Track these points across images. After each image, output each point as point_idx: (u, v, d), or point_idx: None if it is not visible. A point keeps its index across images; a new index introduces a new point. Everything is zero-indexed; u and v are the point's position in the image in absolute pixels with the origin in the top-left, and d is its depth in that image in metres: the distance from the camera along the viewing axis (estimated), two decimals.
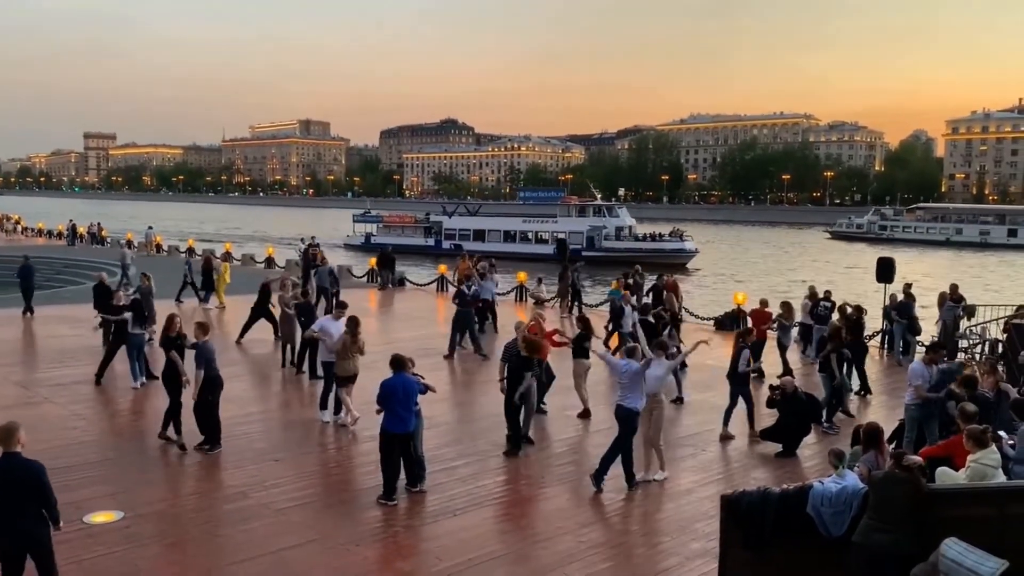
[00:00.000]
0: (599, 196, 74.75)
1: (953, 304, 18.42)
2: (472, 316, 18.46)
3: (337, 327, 12.33)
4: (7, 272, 35.66)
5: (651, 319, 16.12)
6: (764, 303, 17.04)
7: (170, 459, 10.42)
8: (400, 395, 9.07)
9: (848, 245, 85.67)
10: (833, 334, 13.30)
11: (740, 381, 12.01)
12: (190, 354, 10.76)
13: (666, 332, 14.91)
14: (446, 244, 64.51)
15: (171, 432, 10.78)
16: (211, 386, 10.43)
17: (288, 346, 16.05)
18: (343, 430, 11.85)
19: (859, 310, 15.71)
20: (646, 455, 10.07)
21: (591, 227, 61.73)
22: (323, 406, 12.33)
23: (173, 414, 10.76)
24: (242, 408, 12.67)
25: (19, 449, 6.01)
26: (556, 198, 71.39)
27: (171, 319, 11.26)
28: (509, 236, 64.23)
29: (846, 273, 54.97)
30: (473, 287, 19.29)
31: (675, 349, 12.32)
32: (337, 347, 11.82)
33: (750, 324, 16.01)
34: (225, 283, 24.18)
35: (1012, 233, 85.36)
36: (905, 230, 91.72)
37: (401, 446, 9.13)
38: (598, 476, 9.54)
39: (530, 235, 64.28)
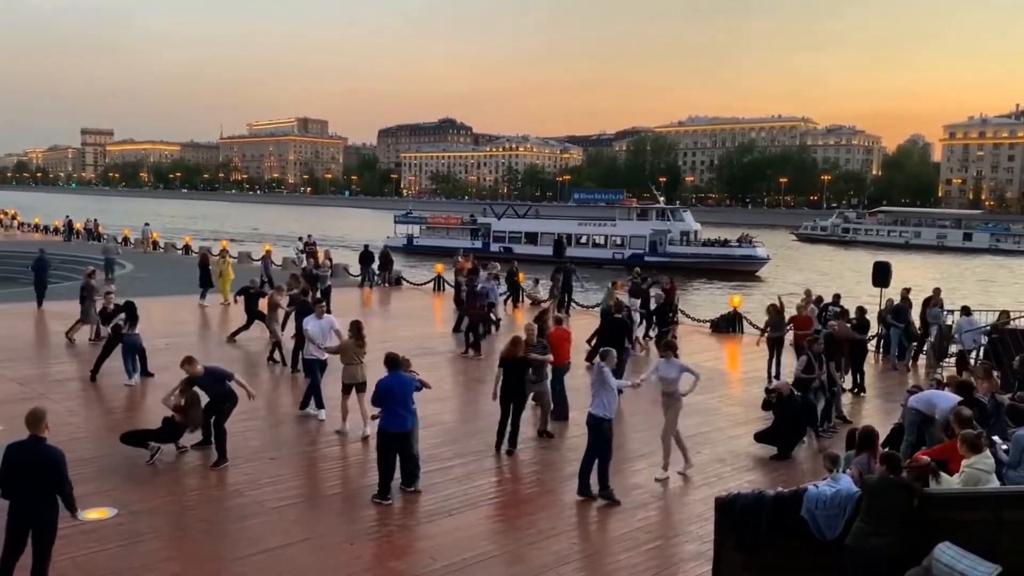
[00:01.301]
0: (661, 199, 70.06)
1: (939, 310, 18.56)
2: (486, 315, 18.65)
3: (318, 325, 12.41)
4: (3, 266, 35.83)
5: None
6: (800, 308, 17.13)
7: (164, 457, 10.39)
8: (397, 394, 9.06)
9: (812, 247, 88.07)
10: (828, 341, 13.37)
11: (800, 387, 12.10)
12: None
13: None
14: (495, 247, 60.40)
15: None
16: (229, 400, 10.34)
17: (276, 344, 16.09)
18: (340, 429, 11.83)
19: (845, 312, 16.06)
20: (663, 450, 10.27)
21: (654, 231, 57.48)
22: (304, 404, 12.43)
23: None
24: (238, 406, 12.62)
25: (45, 435, 6.35)
26: (615, 200, 66.79)
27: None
28: (564, 239, 59.87)
29: (829, 274, 55.39)
30: (481, 285, 19.48)
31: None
32: (336, 351, 11.79)
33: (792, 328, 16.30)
34: (229, 280, 24.14)
35: (967, 237, 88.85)
36: (867, 233, 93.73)
37: (399, 445, 9.13)
38: (582, 489, 9.42)
39: (586, 239, 60.52)
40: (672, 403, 10.23)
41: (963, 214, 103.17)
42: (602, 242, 59.61)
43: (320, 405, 12.33)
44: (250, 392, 10.62)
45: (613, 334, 14.54)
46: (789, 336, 16.92)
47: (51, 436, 6.45)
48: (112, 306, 15.06)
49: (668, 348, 10.57)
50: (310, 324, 12.56)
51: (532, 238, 61.22)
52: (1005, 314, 17.54)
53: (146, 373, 14.35)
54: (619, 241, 58.44)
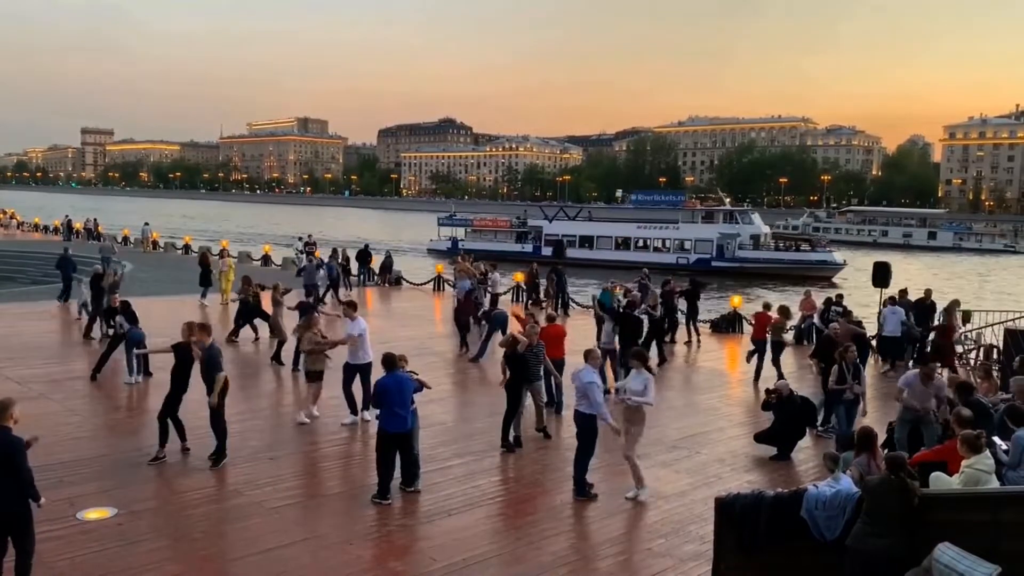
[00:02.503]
0: (727, 200, 67.20)
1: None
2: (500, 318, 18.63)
3: (355, 327, 12.21)
4: (3, 265, 35.84)
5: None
6: (767, 307, 17.20)
7: (164, 457, 10.38)
8: (394, 394, 9.05)
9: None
10: (831, 340, 13.37)
11: (832, 398, 11.82)
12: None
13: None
14: (546, 251, 57.72)
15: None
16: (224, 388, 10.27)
17: (281, 344, 16.09)
18: (341, 428, 11.84)
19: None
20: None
21: (721, 234, 54.68)
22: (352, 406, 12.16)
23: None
24: (235, 406, 12.61)
25: (11, 425, 6.25)
26: (677, 202, 63.13)
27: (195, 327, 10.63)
28: (622, 243, 57.86)
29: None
30: (458, 283, 19.57)
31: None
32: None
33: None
34: (229, 280, 24.14)
35: (932, 236, 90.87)
36: (836, 231, 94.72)
37: (399, 445, 9.12)
38: (579, 489, 9.41)
39: (646, 242, 57.39)
40: (634, 419, 9.38)
41: (928, 213, 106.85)
42: (664, 246, 56.79)
43: (352, 411, 12.11)
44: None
45: (631, 332, 14.63)
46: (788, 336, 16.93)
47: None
48: (118, 303, 15.09)
49: (637, 358, 9.75)
50: (349, 327, 12.33)
51: (588, 241, 58.25)
52: (956, 303, 17.95)
53: (146, 372, 14.39)
54: (684, 245, 55.49)
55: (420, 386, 9.71)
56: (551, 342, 12.81)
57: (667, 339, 19.51)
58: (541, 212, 65.54)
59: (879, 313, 18.77)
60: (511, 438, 11.20)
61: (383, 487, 9.03)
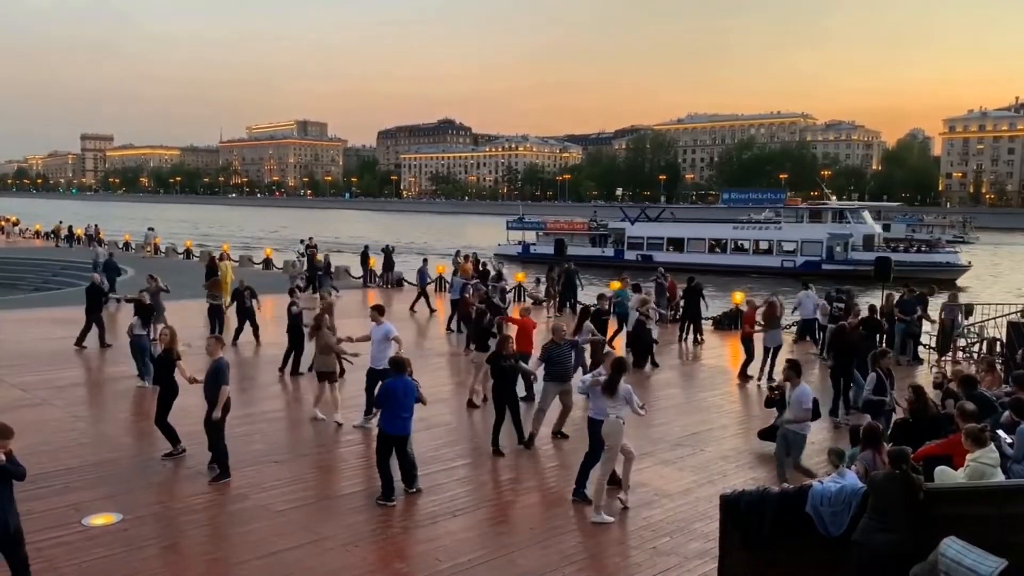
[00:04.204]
0: (833, 197, 62.25)
1: (951, 305, 18.60)
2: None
3: (380, 332, 12.16)
4: (5, 273, 35.90)
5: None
6: (751, 303, 17.38)
7: (168, 462, 10.39)
8: (400, 397, 9.05)
9: None
10: (837, 334, 13.48)
11: (867, 410, 10.82)
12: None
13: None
14: (630, 255, 53.78)
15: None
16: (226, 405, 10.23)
17: (293, 351, 15.61)
18: (340, 430, 11.85)
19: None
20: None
21: (831, 235, 50.38)
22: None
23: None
24: (239, 409, 12.63)
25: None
26: (776, 200, 58.41)
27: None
28: (717, 246, 53.39)
29: None
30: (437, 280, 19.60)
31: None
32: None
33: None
34: (228, 282, 24.10)
35: (886, 228, 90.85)
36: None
37: (396, 448, 9.14)
38: (577, 490, 9.30)
39: (746, 244, 53.00)
40: (612, 433, 8.77)
41: (882, 206, 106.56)
42: (765, 248, 52.00)
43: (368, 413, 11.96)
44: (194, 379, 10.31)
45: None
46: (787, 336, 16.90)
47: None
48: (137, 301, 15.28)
49: (615, 368, 8.96)
50: (372, 331, 12.26)
51: (677, 244, 53.51)
52: (909, 290, 18.62)
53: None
54: (789, 247, 50.75)
55: (419, 397, 9.46)
56: (519, 335, 12.85)
57: (686, 336, 20.17)
58: (622, 213, 60.89)
59: (880, 307, 18.75)
60: (526, 436, 11.26)
61: (386, 489, 9.05)
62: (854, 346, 13.62)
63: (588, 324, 14.52)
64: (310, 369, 15.21)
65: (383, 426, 9.11)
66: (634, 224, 56.88)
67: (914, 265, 46.77)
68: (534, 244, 58.74)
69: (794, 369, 9.76)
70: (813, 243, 50.36)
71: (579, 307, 24.72)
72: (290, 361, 15.60)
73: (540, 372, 12.01)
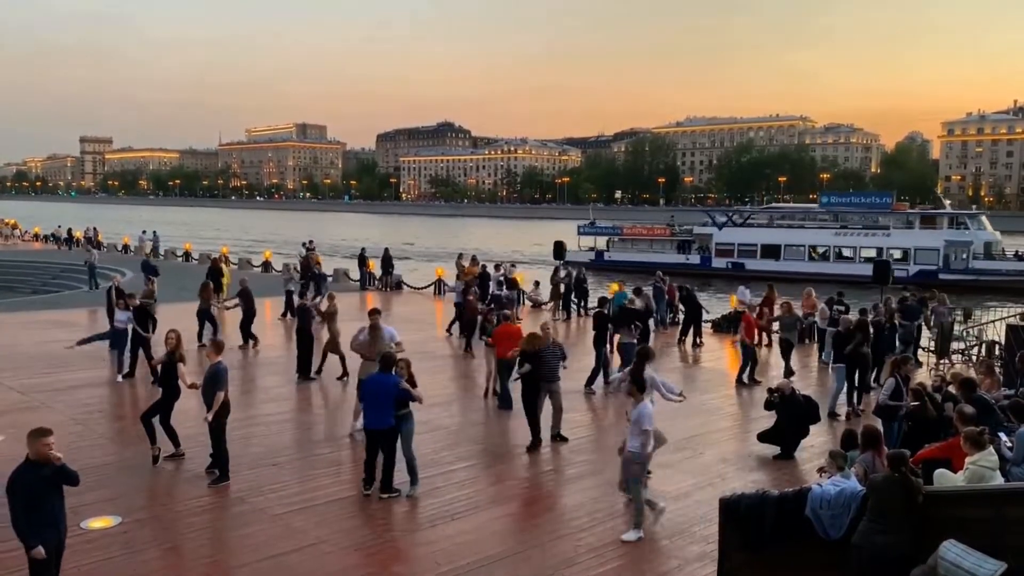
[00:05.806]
0: (947, 203, 57.08)
1: (945, 309, 18.65)
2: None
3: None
4: (4, 275, 35.89)
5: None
6: (751, 308, 17.47)
7: (167, 464, 10.39)
8: (371, 394, 9.32)
9: None
10: (860, 326, 13.67)
11: (883, 414, 10.55)
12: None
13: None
14: (718, 262, 50.83)
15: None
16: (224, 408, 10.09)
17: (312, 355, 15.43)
18: (339, 433, 11.84)
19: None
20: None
21: (949, 242, 46.29)
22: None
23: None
24: (237, 412, 12.59)
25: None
26: (883, 205, 51.88)
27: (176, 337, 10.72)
28: (817, 253, 49.57)
29: None
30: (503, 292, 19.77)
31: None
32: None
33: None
34: (226, 284, 24.09)
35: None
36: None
37: (381, 442, 9.25)
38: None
39: (852, 251, 48.83)
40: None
41: (812, 208, 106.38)
42: (875, 256, 44.68)
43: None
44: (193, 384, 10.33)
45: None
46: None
47: (54, 444, 6.36)
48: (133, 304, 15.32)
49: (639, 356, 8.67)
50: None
51: (772, 252, 49.57)
52: (912, 295, 18.92)
53: (128, 375, 14.61)
54: (899, 255, 46.35)
55: (406, 394, 9.39)
56: (502, 341, 12.86)
57: (684, 338, 20.24)
58: (708, 218, 56.87)
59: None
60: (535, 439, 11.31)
61: (385, 481, 9.30)
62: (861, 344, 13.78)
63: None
64: (318, 372, 15.26)
65: (363, 421, 9.62)
66: (722, 229, 53.15)
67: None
68: (607, 251, 55.74)
69: (637, 383, 8.66)
70: (928, 251, 46.35)
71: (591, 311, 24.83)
72: (313, 365, 15.41)
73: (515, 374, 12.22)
